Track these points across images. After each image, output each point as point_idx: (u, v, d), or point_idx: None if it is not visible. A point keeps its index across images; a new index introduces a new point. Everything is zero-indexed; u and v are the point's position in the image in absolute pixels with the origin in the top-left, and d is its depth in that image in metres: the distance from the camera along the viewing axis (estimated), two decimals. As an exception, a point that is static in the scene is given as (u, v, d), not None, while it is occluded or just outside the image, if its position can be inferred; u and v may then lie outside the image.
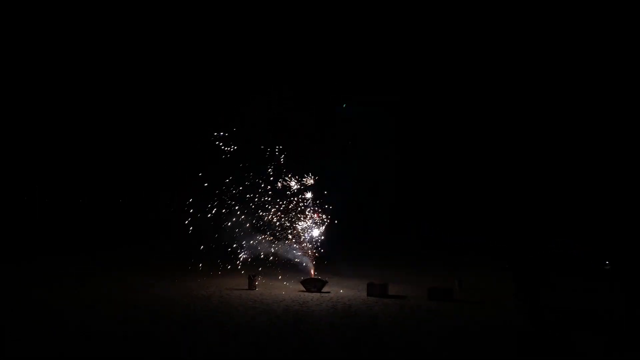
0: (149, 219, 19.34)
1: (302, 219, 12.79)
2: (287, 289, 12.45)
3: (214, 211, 12.96)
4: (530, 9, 20.61)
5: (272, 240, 12.92)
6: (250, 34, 21.80)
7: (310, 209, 12.78)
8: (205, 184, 13.08)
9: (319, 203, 12.83)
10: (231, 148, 12.82)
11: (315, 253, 12.98)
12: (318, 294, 11.87)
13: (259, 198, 12.79)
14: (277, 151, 12.93)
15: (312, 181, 12.68)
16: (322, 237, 12.84)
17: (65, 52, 19.92)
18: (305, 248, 12.94)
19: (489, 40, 21.58)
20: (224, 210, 12.90)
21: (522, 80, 21.86)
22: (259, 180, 12.75)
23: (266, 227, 12.89)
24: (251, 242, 12.92)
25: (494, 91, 22.28)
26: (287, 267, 13.79)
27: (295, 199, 12.83)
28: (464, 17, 21.45)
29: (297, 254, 13.09)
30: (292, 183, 12.68)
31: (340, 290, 12.34)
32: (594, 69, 20.56)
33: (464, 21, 21.55)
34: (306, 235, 12.75)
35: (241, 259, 13.17)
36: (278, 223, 12.88)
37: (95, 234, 19.02)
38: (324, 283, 12.29)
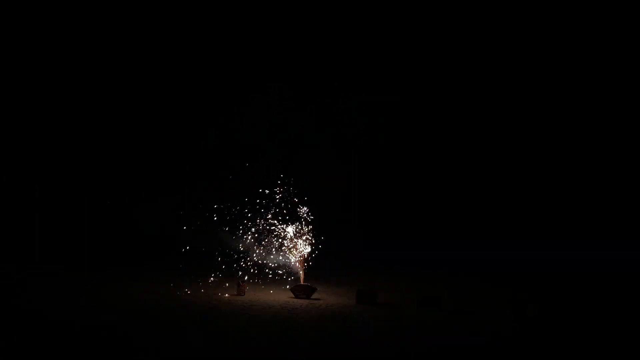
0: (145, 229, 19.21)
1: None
2: (276, 296, 12.52)
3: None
4: (530, 9, 20.54)
5: (262, 246, 13.00)
6: (250, 33, 21.78)
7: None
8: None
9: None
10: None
11: (304, 261, 13.04)
12: (307, 301, 11.94)
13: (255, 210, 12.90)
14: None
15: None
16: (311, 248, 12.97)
17: (65, 52, 19.95)
18: (295, 255, 13.01)
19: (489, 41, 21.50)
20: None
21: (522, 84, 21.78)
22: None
23: (257, 233, 12.96)
24: (242, 248, 13.00)
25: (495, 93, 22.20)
26: (276, 273, 13.85)
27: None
28: (465, 16, 21.37)
29: (286, 261, 13.15)
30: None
31: (330, 298, 12.41)
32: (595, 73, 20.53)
33: (465, 21, 21.46)
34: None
35: (233, 265, 13.26)
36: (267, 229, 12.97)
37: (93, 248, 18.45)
38: (313, 290, 12.36)
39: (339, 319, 10.24)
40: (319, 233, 13.10)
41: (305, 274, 13.02)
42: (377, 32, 22.21)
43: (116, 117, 20.88)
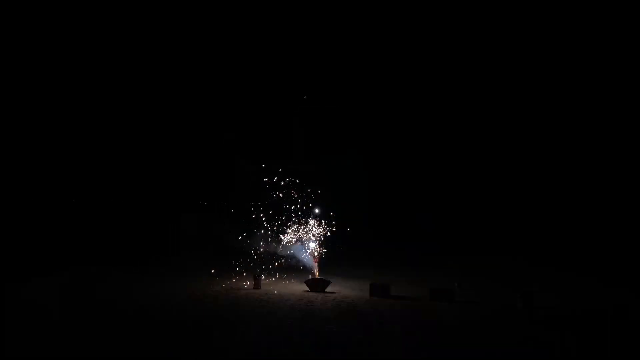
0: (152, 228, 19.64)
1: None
2: (292, 289, 12.78)
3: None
4: (528, 9, 20.76)
5: (278, 241, 13.29)
6: (251, 35, 22.06)
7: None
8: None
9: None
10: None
11: (319, 255, 13.32)
12: (322, 294, 12.21)
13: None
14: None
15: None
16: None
17: (75, 54, 20.26)
18: (311, 249, 13.29)
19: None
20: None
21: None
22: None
23: (274, 228, 13.26)
24: (261, 243, 13.29)
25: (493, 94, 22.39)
26: (291, 267, 14.12)
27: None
28: (462, 17, 21.60)
29: (302, 255, 13.43)
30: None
31: (344, 291, 12.67)
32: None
33: (462, 22, 21.70)
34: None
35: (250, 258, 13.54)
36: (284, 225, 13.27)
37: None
38: (327, 283, 12.64)
39: (354, 310, 10.52)
40: (333, 229, 13.43)
41: (319, 267, 13.31)
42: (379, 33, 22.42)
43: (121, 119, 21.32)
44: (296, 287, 12.95)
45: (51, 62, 19.79)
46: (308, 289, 12.60)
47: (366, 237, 19.55)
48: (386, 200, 22.34)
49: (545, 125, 21.46)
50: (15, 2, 18.74)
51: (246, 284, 13.06)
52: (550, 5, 20.30)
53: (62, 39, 19.88)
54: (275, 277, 13.91)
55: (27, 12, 19.19)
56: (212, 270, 14.14)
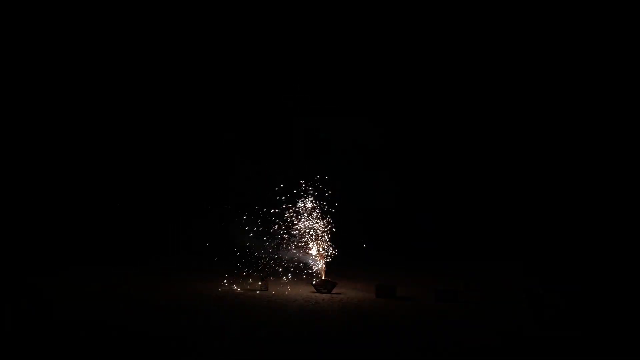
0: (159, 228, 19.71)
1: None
2: (299, 290, 12.86)
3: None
4: (526, 9, 20.92)
5: (285, 243, 13.34)
6: (250, 35, 22.10)
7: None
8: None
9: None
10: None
11: (326, 256, 13.39)
12: (329, 295, 12.31)
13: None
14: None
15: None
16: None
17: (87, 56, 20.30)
18: (317, 251, 13.36)
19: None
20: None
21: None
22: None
23: (280, 230, 13.32)
24: (266, 245, 13.33)
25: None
26: (298, 269, 14.17)
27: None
28: (462, 17, 21.73)
29: (308, 257, 13.49)
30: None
31: (350, 292, 12.77)
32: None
33: (459, 21, 21.82)
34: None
35: (258, 261, 13.57)
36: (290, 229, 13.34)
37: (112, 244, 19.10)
38: (334, 284, 12.73)
39: (361, 311, 10.62)
40: (338, 230, 13.50)
41: (325, 269, 13.38)
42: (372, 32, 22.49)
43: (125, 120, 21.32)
44: (303, 289, 13.03)
45: (52, 63, 19.73)
46: (315, 290, 12.69)
47: (367, 237, 19.67)
48: (386, 200, 22.44)
49: (547, 125, 21.65)
50: (16, 2, 18.65)
51: (253, 285, 13.13)
52: (552, 5, 20.45)
53: (62, 39, 19.83)
54: (282, 278, 13.95)
55: (27, 12, 19.10)
56: (222, 272, 14.19)
